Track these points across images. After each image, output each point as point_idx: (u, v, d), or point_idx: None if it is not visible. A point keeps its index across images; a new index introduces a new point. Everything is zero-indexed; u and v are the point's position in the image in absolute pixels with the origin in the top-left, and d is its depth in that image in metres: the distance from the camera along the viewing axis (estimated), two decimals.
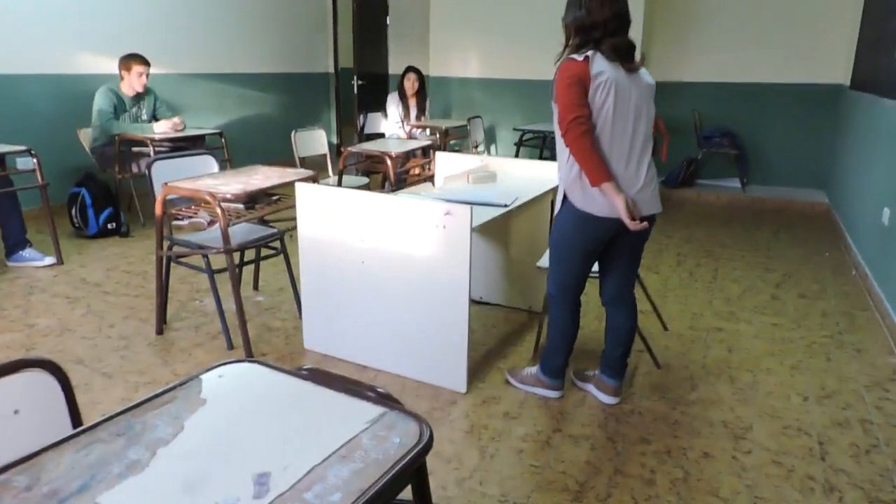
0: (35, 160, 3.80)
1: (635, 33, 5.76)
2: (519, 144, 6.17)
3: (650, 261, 4.31)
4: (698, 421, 2.40)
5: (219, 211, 2.67)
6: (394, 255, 2.56)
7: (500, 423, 2.37)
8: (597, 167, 2.10)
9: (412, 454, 0.91)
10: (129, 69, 4.71)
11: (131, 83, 4.75)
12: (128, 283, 3.68)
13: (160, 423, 0.98)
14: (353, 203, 2.61)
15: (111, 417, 0.98)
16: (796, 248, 4.72)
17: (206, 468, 0.87)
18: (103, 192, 4.55)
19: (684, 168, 6.36)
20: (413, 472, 0.96)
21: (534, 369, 2.61)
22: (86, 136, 4.87)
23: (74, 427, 1.15)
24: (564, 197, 2.28)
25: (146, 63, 4.75)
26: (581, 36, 2.15)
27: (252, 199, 3.02)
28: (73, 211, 4.49)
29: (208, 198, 2.67)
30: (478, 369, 2.77)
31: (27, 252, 3.88)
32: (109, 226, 4.53)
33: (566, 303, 2.43)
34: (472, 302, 3.51)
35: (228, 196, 2.71)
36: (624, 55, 2.13)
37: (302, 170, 3.22)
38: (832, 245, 4.80)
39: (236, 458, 0.90)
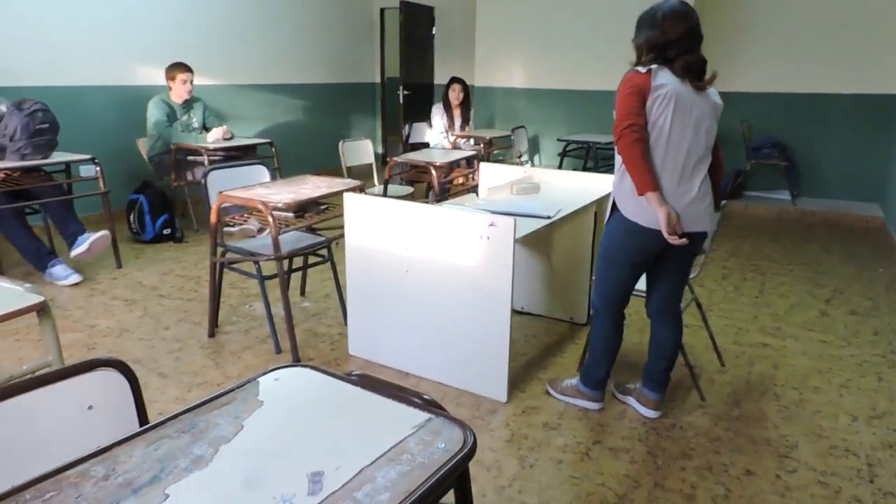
0: (98, 168, 4.00)
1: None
2: (563, 155, 6.18)
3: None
4: (741, 438, 2.38)
5: (270, 220, 2.77)
6: (438, 264, 2.62)
7: (539, 433, 2.39)
8: (644, 175, 2.10)
9: (456, 459, 0.95)
10: (173, 78, 4.94)
11: (178, 91, 4.98)
12: (182, 287, 3.84)
13: (222, 422, 1.05)
14: (399, 213, 2.68)
15: (178, 415, 1.06)
16: (848, 263, 4.60)
17: (264, 465, 0.94)
18: (160, 198, 4.75)
19: (732, 179, 6.25)
20: (456, 476, 1.01)
21: (574, 381, 2.63)
22: (144, 145, 5.09)
23: (141, 423, 1.24)
24: (615, 206, 2.29)
25: (189, 70, 4.97)
26: (654, 54, 2.16)
27: (301, 208, 3.12)
28: (132, 217, 4.70)
29: (261, 207, 2.78)
30: (518, 379, 2.80)
31: (56, 269, 3.82)
32: (165, 231, 4.73)
33: (611, 315, 2.45)
34: (514, 312, 3.54)
35: (280, 205, 2.82)
36: (696, 73, 2.16)
37: (349, 180, 3.32)
38: (886, 260, 4.66)
39: (292, 456, 0.96)
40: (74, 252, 3.81)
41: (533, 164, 6.79)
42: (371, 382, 1.20)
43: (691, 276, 2.73)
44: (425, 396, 1.16)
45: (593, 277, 2.49)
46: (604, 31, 6.26)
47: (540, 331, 3.34)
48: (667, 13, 2.14)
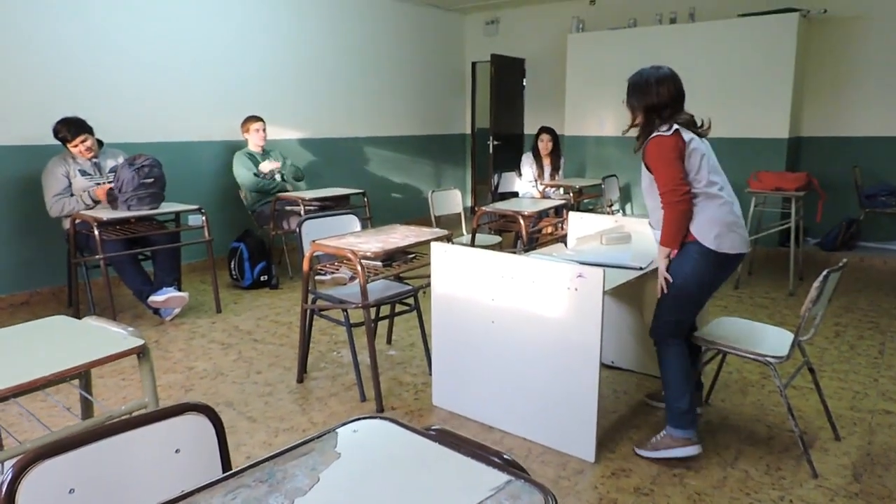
0: (203, 217, 4.26)
1: (784, 87, 5.48)
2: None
3: None
4: None
5: (359, 268, 2.83)
6: (524, 315, 2.56)
7: (630, 498, 2.24)
8: (678, 236, 2.46)
9: None
10: (248, 129, 5.35)
11: (254, 140, 5.34)
12: (275, 333, 3.97)
13: (299, 474, 1.04)
14: (485, 263, 2.66)
15: (257, 464, 1.06)
16: None
17: None
18: (259, 246, 4.99)
19: (843, 230, 5.83)
20: None
21: (663, 432, 2.51)
22: (246, 197, 5.40)
23: (224, 468, 1.26)
24: (688, 243, 2.48)
25: (261, 120, 5.35)
26: (653, 115, 2.51)
27: (389, 257, 3.17)
28: (232, 264, 4.95)
29: (350, 256, 2.85)
30: (607, 438, 2.66)
31: (153, 296, 4.01)
32: (262, 278, 4.94)
33: (680, 338, 2.54)
34: (603, 366, 3.40)
35: (368, 254, 2.87)
36: (692, 126, 2.53)
37: (437, 229, 3.35)
38: None
39: None
40: (152, 298, 4.01)
41: (624, 214, 6.63)
42: (450, 438, 1.16)
43: (805, 336, 2.54)
44: (506, 456, 1.11)
45: (659, 311, 2.56)
46: (694, 80, 6.11)
47: (631, 387, 3.18)
48: (659, 79, 2.50)
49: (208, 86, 5.47)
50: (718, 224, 2.43)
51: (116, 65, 4.84)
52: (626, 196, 6.78)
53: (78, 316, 4.21)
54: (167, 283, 4.10)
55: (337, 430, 1.18)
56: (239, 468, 1.06)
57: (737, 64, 5.88)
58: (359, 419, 1.22)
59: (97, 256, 3.82)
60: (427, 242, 2.99)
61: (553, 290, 2.45)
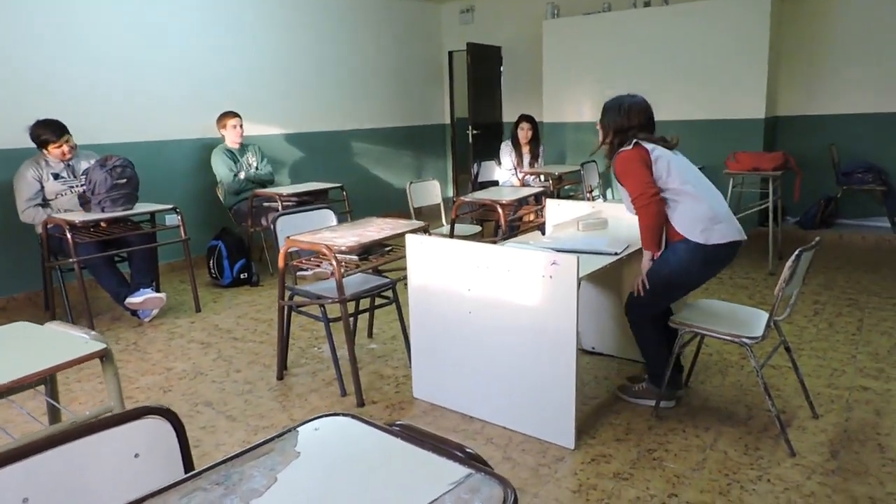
0: (179, 217, 4.21)
1: (759, 68, 5.49)
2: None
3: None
4: (839, 494, 2.15)
5: (334, 263, 2.80)
6: (500, 304, 2.55)
7: (609, 483, 2.25)
8: (656, 236, 2.60)
9: None
10: (224, 126, 5.29)
11: (231, 137, 5.29)
12: (255, 330, 3.94)
13: (256, 475, 1.02)
14: (460, 253, 2.64)
15: (213, 466, 1.04)
16: None
17: None
18: (237, 244, 4.94)
19: (821, 208, 5.87)
20: None
21: (644, 384, 2.83)
22: (223, 194, 5.34)
23: (186, 471, 1.23)
24: (676, 242, 2.60)
25: (237, 116, 5.30)
26: (620, 135, 2.71)
27: (366, 250, 3.14)
28: (211, 262, 4.90)
29: (325, 251, 2.82)
30: (588, 424, 2.66)
31: (131, 298, 3.97)
32: (242, 276, 4.89)
33: (653, 317, 2.73)
34: (584, 352, 3.41)
35: (343, 248, 2.85)
36: (658, 141, 2.67)
37: (413, 221, 3.33)
38: None
39: None
40: (129, 300, 3.96)
41: (605, 199, 6.63)
42: (413, 434, 1.15)
43: (781, 316, 2.56)
44: (468, 450, 1.09)
45: (636, 296, 2.68)
46: (670, 62, 6.12)
47: (612, 372, 3.18)
48: (631, 105, 2.72)
49: (181, 83, 5.39)
50: (701, 219, 2.55)
51: (86, 65, 4.75)
52: (607, 181, 6.78)
53: (54, 319, 4.17)
54: (144, 284, 4.05)
55: (298, 429, 1.16)
56: (195, 471, 1.04)
57: (712, 45, 5.88)
58: (320, 417, 1.20)
59: (71, 260, 3.76)
60: (403, 234, 2.97)
61: (528, 279, 2.45)
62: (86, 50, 4.75)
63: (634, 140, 2.63)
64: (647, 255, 2.66)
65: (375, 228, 3.17)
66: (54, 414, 1.80)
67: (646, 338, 2.75)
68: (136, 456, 1.18)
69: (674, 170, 2.58)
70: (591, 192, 6.07)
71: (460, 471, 1.02)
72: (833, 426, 2.60)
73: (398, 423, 1.20)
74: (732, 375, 3.10)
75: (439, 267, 2.73)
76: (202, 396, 3.05)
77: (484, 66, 7.57)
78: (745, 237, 2.64)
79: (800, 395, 2.78)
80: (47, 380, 1.72)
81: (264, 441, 1.13)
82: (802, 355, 3.30)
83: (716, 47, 5.86)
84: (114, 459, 1.16)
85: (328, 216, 3.46)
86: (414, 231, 3.03)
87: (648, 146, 2.61)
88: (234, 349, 3.63)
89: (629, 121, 2.70)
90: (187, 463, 1.23)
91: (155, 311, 4.11)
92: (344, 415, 1.21)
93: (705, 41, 5.92)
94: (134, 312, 4.07)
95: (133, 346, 3.71)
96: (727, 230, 2.56)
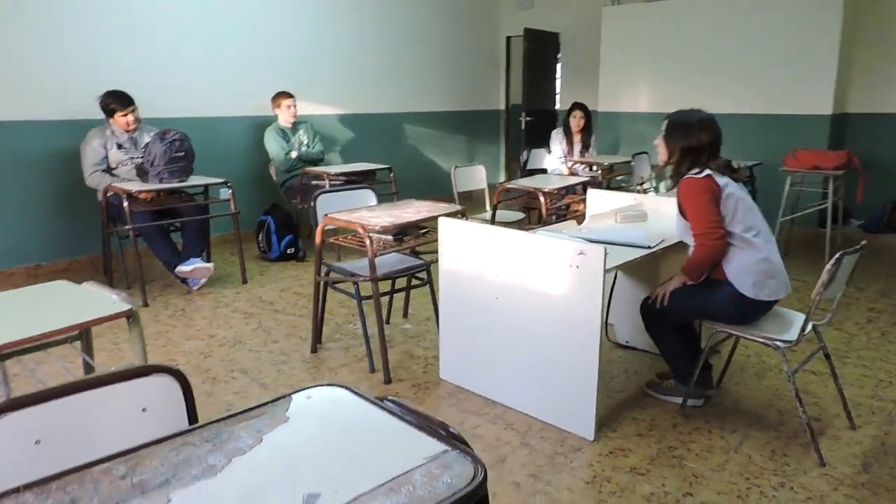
0: (230, 191, 4.35)
1: (829, 60, 5.21)
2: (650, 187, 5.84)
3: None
4: None
5: (368, 242, 2.86)
6: (527, 292, 2.55)
7: (625, 477, 2.23)
8: (704, 272, 2.52)
9: (457, 496, 0.90)
10: (279, 105, 5.42)
11: (284, 116, 5.43)
12: (296, 304, 4.05)
13: (244, 435, 1.07)
14: (490, 238, 2.65)
15: (206, 424, 1.10)
16: None
17: (267, 481, 0.94)
18: (286, 220, 5.08)
19: (888, 212, 5.56)
20: None
21: (672, 381, 2.76)
22: (276, 171, 5.49)
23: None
24: (722, 282, 2.49)
25: (291, 96, 5.43)
26: (691, 157, 2.53)
27: (402, 232, 3.18)
28: (260, 236, 5.06)
29: (359, 229, 2.88)
30: (611, 417, 2.64)
31: (181, 266, 4.19)
32: (289, 251, 5.03)
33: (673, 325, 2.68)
34: (618, 346, 3.37)
35: (377, 228, 2.89)
36: (728, 170, 2.53)
37: (451, 204, 3.35)
38: None
39: (297, 475, 0.96)
40: (179, 268, 4.17)
41: (658, 192, 6.47)
42: (402, 409, 1.18)
43: (822, 321, 2.48)
44: (451, 429, 1.11)
45: (653, 304, 2.61)
46: (732, 53, 5.89)
47: (643, 367, 3.13)
48: (702, 123, 2.53)
49: (237, 62, 5.55)
50: (756, 272, 2.43)
51: (146, 42, 4.95)
52: (660, 174, 6.60)
53: (112, 284, 4.40)
54: (194, 254, 4.23)
55: (291, 396, 1.21)
56: (187, 428, 1.10)
57: (777, 34, 5.62)
58: (316, 386, 1.25)
59: (127, 227, 3.96)
60: (436, 218, 2.99)
61: (555, 267, 2.43)
62: (144, 28, 4.95)
63: (707, 170, 2.47)
64: (682, 278, 2.55)
65: (412, 210, 3.20)
66: (88, 370, 1.92)
67: (663, 340, 2.70)
68: (144, 410, 1.25)
69: (740, 212, 2.45)
70: (641, 184, 5.93)
71: (437, 447, 1.04)
72: (871, 438, 2.49)
73: (389, 398, 1.23)
74: (769, 379, 3.00)
75: (470, 251, 2.74)
76: (239, 364, 3.17)
77: (540, 52, 7.47)
78: (791, 290, 2.55)
79: (838, 403, 2.67)
80: (83, 336, 1.83)
81: (258, 405, 1.18)
82: (848, 363, 3.16)
83: (782, 37, 5.60)
84: (122, 412, 1.24)
85: (368, 196, 3.51)
86: (450, 215, 3.04)
87: (721, 181, 2.45)
88: (274, 321, 3.75)
89: (698, 141, 2.51)
90: (192, 420, 1.30)
91: (203, 280, 4.28)
92: (338, 386, 1.25)
93: (771, 29, 5.66)
94: (184, 280, 4.25)
95: (181, 312, 3.89)
96: (777, 287, 2.46)
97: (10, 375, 2.28)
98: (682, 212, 2.55)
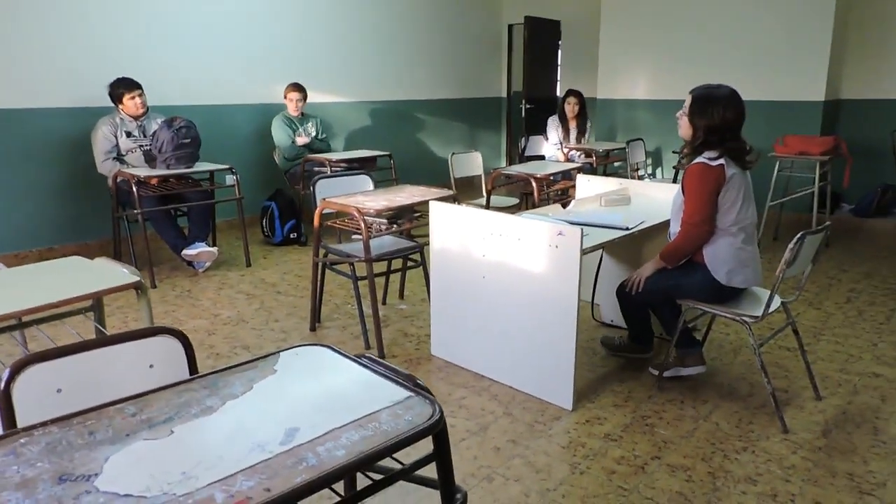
0: (235, 177, 4.52)
1: (821, 47, 5.28)
2: (678, 168, 5.95)
3: (812, 295, 3.96)
4: (819, 468, 2.22)
5: (362, 224, 3.01)
6: (511, 271, 2.71)
7: (598, 442, 2.39)
8: (682, 259, 2.62)
9: (416, 430, 1.07)
10: (286, 96, 5.61)
11: (291, 107, 5.61)
12: (297, 286, 4.23)
13: (237, 383, 1.24)
14: (477, 221, 2.80)
15: (204, 375, 1.27)
16: None
17: (255, 419, 1.11)
18: (289, 205, 5.25)
19: (878, 196, 5.67)
20: (440, 452, 1.16)
21: (672, 354, 2.81)
22: (280, 158, 5.65)
23: None
24: (697, 264, 2.59)
25: (298, 90, 5.60)
26: (712, 136, 2.50)
27: (396, 215, 3.34)
28: (264, 221, 5.23)
29: (354, 212, 3.04)
30: (590, 389, 2.80)
31: (188, 250, 4.35)
32: (292, 235, 5.21)
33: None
34: (602, 324, 3.53)
35: (372, 211, 3.05)
36: (743, 155, 2.54)
37: (443, 189, 3.50)
38: None
39: (280, 414, 1.12)
40: (185, 251, 4.34)
41: (654, 178, 6.60)
42: (377, 365, 1.34)
43: (790, 298, 2.63)
44: (419, 381, 1.27)
45: (629, 291, 2.76)
46: (728, 40, 5.97)
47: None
48: (728, 100, 2.50)
49: (242, 52, 5.70)
50: (731, 260, 2.54)
51: (156, 32, 5.11)
52: (657, 160, 6.73)
53: None
54: (200, 238, 4.40)
55: (280, 353, 1.38)
56: (189, 377, 1.27)
57: (771, 21, 5.70)
58: (302, 345, 1.41)
59: (136, 211, 4.14)
60: (429, 202, 3.14)
61: (536, 248, 2.59)
62: (157, 19, 5.10)
63: (722, 158, 2.48)
64: (658, 263, 2.67)
65: (406, 195, 3.36)
66: (100, 336, 2.09)
67: (632, 312, 2.95)
68: (151, 366, 1.42)
69: (735, 205, 2.50)
70: (636, 170, 6.05)
71: (403, 393, 1.20)
72: (833, 408, 2.64)
73: (365, 355, 1.40)
74: (744, 355, 3.15)
75: (458, 233, 2.90)
76: (241, 340, 3.35)
77: (541, 40, 7.57)
78: (761, 280, 2.66)
79: (807, 377, 2.83)
80: (95, 306, 2.01)
81: (252, 359, 1.35)
82: (822, 340, 3.31)
83: (776, 23, 5.68)
84: (132, 366, 1.41)
85: (365, 181, 3.67)
86: (443, 199, 3.20)
87: (729, 172, 2.47)
88: (276, 301, 3.93)
89: (723, 119, 2.46)
90: (193, 373, 1.47)
91: (208, 263, 4.46)
92: (321, 345, 1.42)
93: (764, 16, 5.74)
94: (190, 263, 4.43)
95: (187, 294, 4.07)
96: (750, 276, 2.57)
97: (30, 345, 2.46)
98: (683, 191, 2.59)
